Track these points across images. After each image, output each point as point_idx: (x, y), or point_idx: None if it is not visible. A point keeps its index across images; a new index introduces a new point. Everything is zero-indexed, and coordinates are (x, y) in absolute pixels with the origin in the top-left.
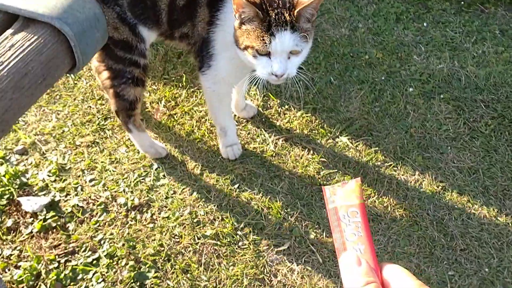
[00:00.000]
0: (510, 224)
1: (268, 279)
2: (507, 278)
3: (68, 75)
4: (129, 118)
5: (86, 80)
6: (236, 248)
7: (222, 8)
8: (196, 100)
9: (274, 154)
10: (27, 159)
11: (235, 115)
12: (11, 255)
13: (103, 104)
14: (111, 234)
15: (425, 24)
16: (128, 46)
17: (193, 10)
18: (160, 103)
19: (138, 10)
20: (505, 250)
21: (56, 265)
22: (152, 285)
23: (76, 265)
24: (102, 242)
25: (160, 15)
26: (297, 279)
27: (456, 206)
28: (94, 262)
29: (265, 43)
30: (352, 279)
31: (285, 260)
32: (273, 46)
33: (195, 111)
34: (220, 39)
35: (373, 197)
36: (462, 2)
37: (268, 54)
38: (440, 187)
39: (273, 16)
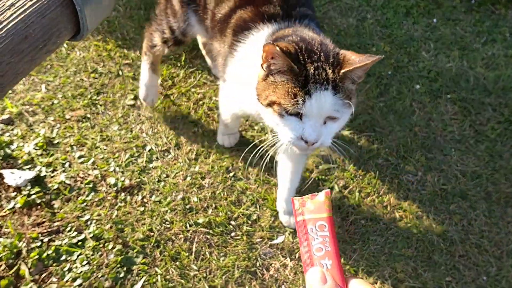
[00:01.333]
0: (511, 233)
1: (260, 272)
2: None
3: (69, 42)
4: (148, 51)
5: (80, 51)
6: (229, 239)
7: (242, 41)
8: (194, 81)
9: (272, 144)
10: (12, 130)
11: None
12: None
13: (97, 78)
14: (99, 215)
15: (435, 20)
16: (173, 12)
17: (226, 29)
18: None
19: (193, 1)
20: (505, 259)
21: (38, 244)
22: (139, 271)
23: (60, 245)
24: (88, 222)
25: (207, 18)
26: (289, 274)
27: (457, 211)
28: (80, 243)
29: (297, 102)
30: None
31: (278, 254)
32: (308, 107)
33: (192, 93)
34: (231, 71)
35: (372, 195)
36: (473, 1)
37: (298, 115)
38: (442, 190)
39: (311, 71)
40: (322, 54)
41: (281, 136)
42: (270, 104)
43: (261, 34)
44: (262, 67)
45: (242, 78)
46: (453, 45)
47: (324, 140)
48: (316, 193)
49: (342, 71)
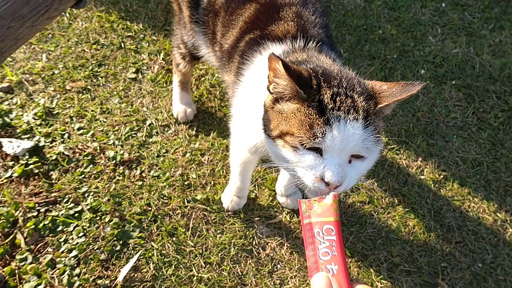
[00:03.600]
0: (509, 221)
1: (256, 251)
2: (499, 276)
3: (72, 11)
4: (176, 70)
5: (82, 21)
6: (226, 216)
7: (249, 63)
8: None
9: None
10: (11, 99)
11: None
12: None
13: (98, 50)
14: (97, 187)
15: (443, 4)
16: (184, 23)
17: (233, 55)
18: (159, 55)
19: (203, 23)
20: (501, 247)
21: (35, 213)
22: (135, 245)
23: (57, 216)
24: (86, 195)
25: (216, 46)
26: (285, 254)
27: (455, 197)
28: (76, 215)
29: (315, 134)
30: None
31: (275, 234)
32: (329, 140)
33: (194, 69)
34: (238, 102)
35: (372, 179)
36: None
37: (317, 150)
38: (441, 176)
39: (328, 96)
40: (343, 80)
41: (299, 175)
42: (280, 136)
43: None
44: (269, 90)
45: (250, 106)
46: (460, 31)
47: (348, 184)
48: (323, 196)
49: (381, 105)
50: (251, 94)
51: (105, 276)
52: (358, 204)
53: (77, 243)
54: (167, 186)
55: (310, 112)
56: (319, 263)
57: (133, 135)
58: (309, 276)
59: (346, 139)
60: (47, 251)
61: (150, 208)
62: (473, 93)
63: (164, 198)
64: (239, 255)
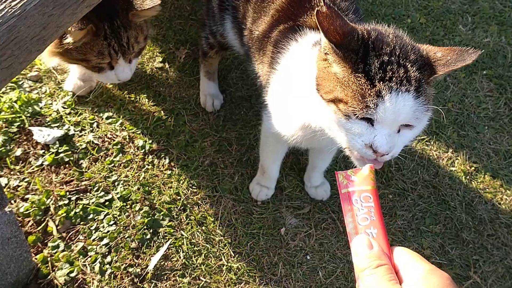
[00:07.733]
0: None
1: (285, 241)
2: None
3: None
4: (202, 60)
5: None
6: (254, 206)
7: (284, 51)
8: None
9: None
10: (41, 87)
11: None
12: (18, 186)
13: None
14: (126, 176)
15: None
16: (213, 13)
17: (265, 46)
18: (186, 44)
19: (233, 7)
20: None
21: (66, 202)
22: (165, 234)
23: (88, 204)
24: (116, 183)
25: (245, 32)
26: (314, 245)
27: (487, 190)
28: (107, 203)
29: (368, 105)
30: (363, 261)
31: (304, 225)
32: (381, 112)
33: (221, 59)
34: (273, 92)
35: (401, 170)
36: None
37: (368, 120)
38: (473, 168)
39: (376, 65)
40: (397, 47)
41: (347, 142)
42: (334, 101)
43: (308, 40)
44: (321, 41)
45: (286, 95)
46: (491, 20)
47: (395, 152)
48: (359, 167)
49: (436, 75)
50: (288, 83)
51: (136, 265)
52: (389, 196)
53: (108, 231)
54: (195, 176)
55: (360, 81)
56: (358, 228)
57: (161, 124)
58: (349, 241)
59: (398, 110)
60: (78, 239)
61: (179, 197)
62: (505, 84)
63: (193, 187)
64: (269, 245)
